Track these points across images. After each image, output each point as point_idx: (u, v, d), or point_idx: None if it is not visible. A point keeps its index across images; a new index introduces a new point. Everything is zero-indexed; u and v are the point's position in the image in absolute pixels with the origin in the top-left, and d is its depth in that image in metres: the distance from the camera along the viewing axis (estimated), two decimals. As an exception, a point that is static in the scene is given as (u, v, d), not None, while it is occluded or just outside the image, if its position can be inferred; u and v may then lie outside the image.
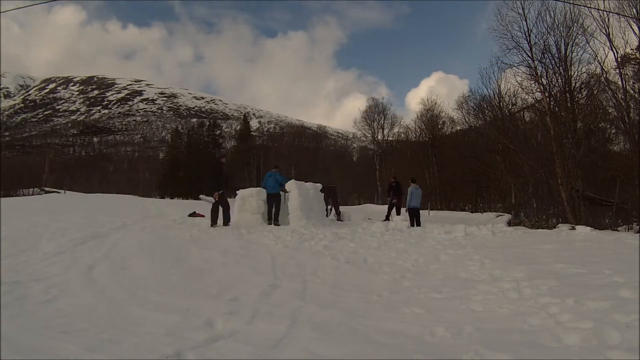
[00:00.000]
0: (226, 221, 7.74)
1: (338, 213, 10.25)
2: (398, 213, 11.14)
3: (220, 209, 7.76)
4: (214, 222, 7.66)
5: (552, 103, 12.44)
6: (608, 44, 11.35)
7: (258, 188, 8.63)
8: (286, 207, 8.45)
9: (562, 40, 11.94)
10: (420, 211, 10.77)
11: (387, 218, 10.97)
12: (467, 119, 24.90)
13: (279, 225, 8.04)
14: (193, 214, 10.03)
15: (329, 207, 10.50)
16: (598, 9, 10.91)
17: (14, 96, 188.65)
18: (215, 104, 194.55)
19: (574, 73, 12.16)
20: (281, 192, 8.42)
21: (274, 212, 8.25)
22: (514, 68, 13.43)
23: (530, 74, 12.70)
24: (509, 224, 9.95)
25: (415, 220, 9.74)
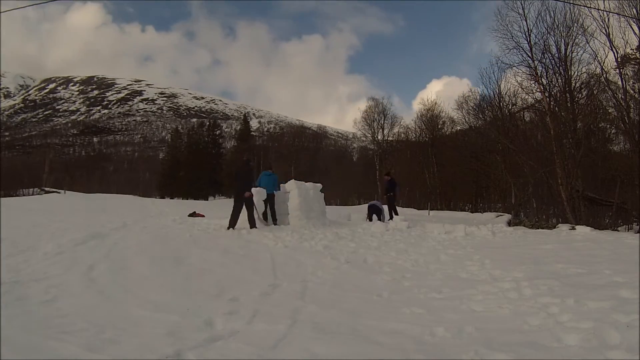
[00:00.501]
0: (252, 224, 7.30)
1: None
2: (396, 212, 11.11)
3: (246, 210, 7.32)
4: (232, 225, 7.17)
5: (552, 103, 12.43)
6: (608, 44, 11.34)
7: (258, 188, 8.59)
8: (286, 207, 8.45)
9: (562, 40, 11.94)
10: (420, 211, 10.89)
11: (391, 217, 10.86)
12: (467, 119, 24.91)
13: (276, 224, 8.05)
14: (193, 214, 10.05)
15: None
16: (598, 9, 10.91)
17: (14, 96, 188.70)
18: (215, 104, 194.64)
19: (574, 73, 12.15)
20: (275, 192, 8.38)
21: (269, 212, 8.24)
22: (514, 68, 13.42)
23: (530, 74, 12.69)
24: (509, 224, 9.95)
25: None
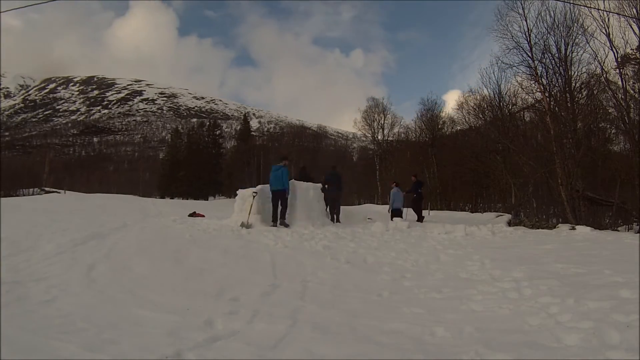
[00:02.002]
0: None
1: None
2: (419, 216, 11.02)
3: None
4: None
5: (552, 103, 12.43)
6: (608, 44, 11.34)
7: (259, 186, 8.51)
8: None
9: (562, 40, 11.94)
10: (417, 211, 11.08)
11: (420, 219, 10.75)
12: (467, 119, 24.88)
13: (287, 226, 7.67)
14: (193, 214, 10.04)
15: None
16: (598, 9, 10.91)
17: (14, 96, 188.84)
18: (215, 104, 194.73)
19: (574, 73, 12.15)
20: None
21: (279, 211, 7.82)
22: (514, 68, 13.42)
23: (530, 74, 12.71)
24: (509, 224, 9.93)
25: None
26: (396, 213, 10.46)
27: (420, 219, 10.83)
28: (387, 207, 12.23)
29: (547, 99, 12.33)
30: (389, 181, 14.66)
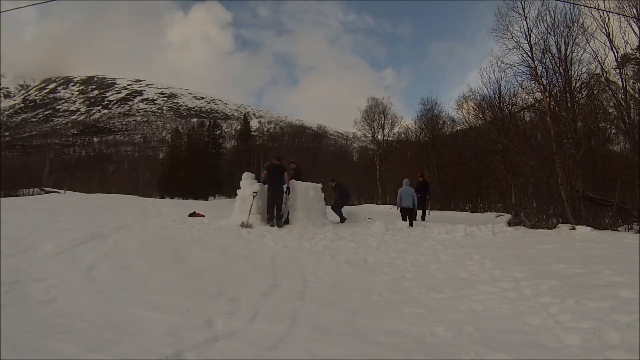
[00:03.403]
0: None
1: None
2: (423, 217, 11.14)
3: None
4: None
5: (552, 103, 12.42)
6: (608, 44, 11.32)
7: (257, 185, 8.49)
8: (286, 207, 8.43)
9: (562, 40, 11.92)
10: (420, 211, 11.05)
11: (421, 218, 10.91)
12: (467, 119, 24.85)
13: (281, 226, 7.74)
14: (193, 214, 10.03)
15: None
16: (598, 9, 10.90)
17: (14, 96, 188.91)
18: (215, 104, 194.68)
19: (574, 73, 12.12)
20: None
21: (275, 210, 7.91)
22: (514, 68, 13.43)
23: (530, 74, 12.70)
24: (509, 224, 9.94)
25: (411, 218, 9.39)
26: (407, 212, 9.46)
27: (423, 218, 10.98)
28: (387, 207, 12.26)
29: (547, 99, 12.32)
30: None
